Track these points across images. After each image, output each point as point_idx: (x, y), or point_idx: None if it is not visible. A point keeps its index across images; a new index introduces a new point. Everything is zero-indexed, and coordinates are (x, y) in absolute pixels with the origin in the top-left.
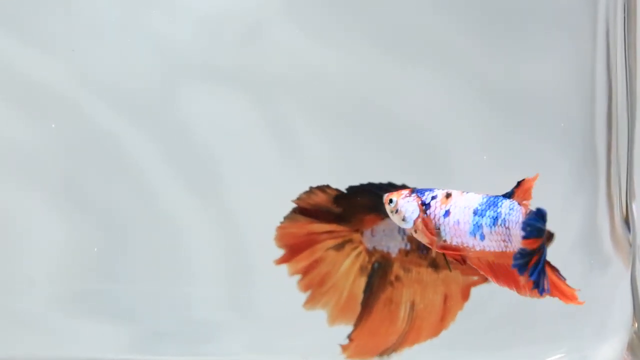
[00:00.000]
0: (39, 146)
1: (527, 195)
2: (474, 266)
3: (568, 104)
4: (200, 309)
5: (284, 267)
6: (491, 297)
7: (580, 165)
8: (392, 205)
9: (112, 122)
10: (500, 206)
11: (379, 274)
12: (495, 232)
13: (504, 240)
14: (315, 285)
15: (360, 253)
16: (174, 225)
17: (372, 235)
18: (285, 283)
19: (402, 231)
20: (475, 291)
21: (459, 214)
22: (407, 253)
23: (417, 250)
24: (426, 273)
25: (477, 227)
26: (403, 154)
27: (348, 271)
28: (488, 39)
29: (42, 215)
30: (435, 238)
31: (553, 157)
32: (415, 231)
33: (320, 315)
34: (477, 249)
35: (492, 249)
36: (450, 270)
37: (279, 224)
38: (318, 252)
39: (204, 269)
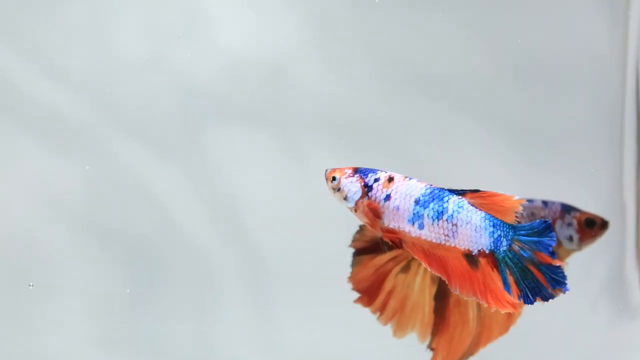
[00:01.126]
0: (67, 183)
1: (482, 200)
2: (408, 249)
3: (597, 148)
4: (227, 347)
5: (310, 302)
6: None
7: (609, 210)
8: (335, 182)
9: (139, 159)
10: (447, 201)
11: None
12: (438, 225)
13: (446, 235)
14: (397, 313)
15: (426, 268)
16: (200, 261)
17: None
18: (311, 319)
19: None
20: None
21: (399, 200)
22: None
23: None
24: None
25: (417, 216)
26: None
27: (422, 287)
28: (512, 79)
29: (70, 253)
30: (379, 220)
31: (581, 202)
32: (356, 210)
33: (344, 349)
34: (413, 235)
35: (429, 239)
36: (385, 252)
37: (349, 275)
38: (389, 282)
39: (231, 305)
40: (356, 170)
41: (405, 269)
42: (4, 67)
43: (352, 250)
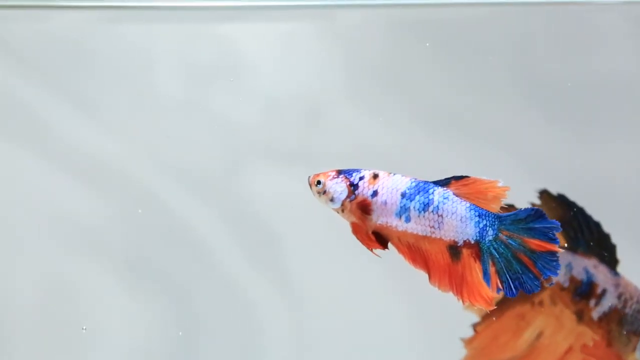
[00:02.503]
0: (108, 224)
1: (467, 188)
2: (393, 245)
3: None
4: None
5: (351, 340)
6: None
7: None
8: (320, 187)
9: (179, 199)
10: (432, 193)
11: None
12: (424, 217)
13: (431, 226)
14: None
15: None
16: (239, 299)
17: None
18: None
19: (569, 267)
20: None
21: (387, 194)
22: (562, 289)
23: (573, 292)
24: (568, 317)
25: (404, 209)
26: None
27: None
28: (559, 125)
29: (113, 294)
30: (368, 217)
31: (635, 256)
32: (343, 210)
33: None
34: (400, 229)
35: (415, 232)
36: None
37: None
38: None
39: (273, 344)
40: (340, 172)
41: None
42: (45, 109)
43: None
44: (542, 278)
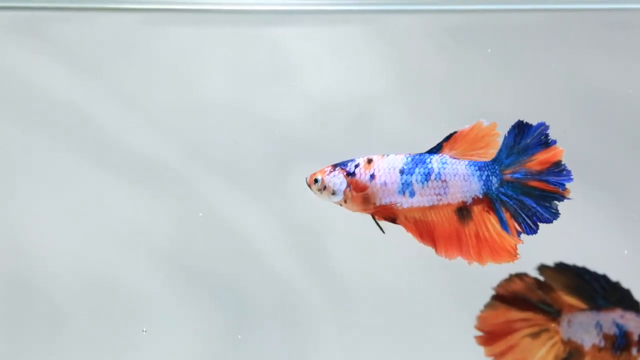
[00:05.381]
0: (157, 225)
1: (459, 144)
2: (401, 225)
3: None
4: None
5: (397, 337)
6: None
7: None
8: (319, 184)
9: (227, 201)
10: (430, 162)
11: None
12: (428, 186)
13: (437, 194)
14: None
15: (555, 343)
16: (287, 299)
17: (569, 326)
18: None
19: (598, 326)
20: None
21: (385, 175)
22: (599, 350)
23: (611, 350)
24: None
25: (406, 185)
26: None
27: (543, 358)
28: (616, 132)
29: (166, 296)
30: (370, 202)
31: None
32: (345, 201)
33: None
34: (406, 206)
35: (421, 204)
36: (384, 232)
37: (479, 312)
38: (515, 338)
39: (321, 344)
40: (335, 166)
41: (535, 335)
42: (96, 113)
43: (493, 292)
44: (560, 191)
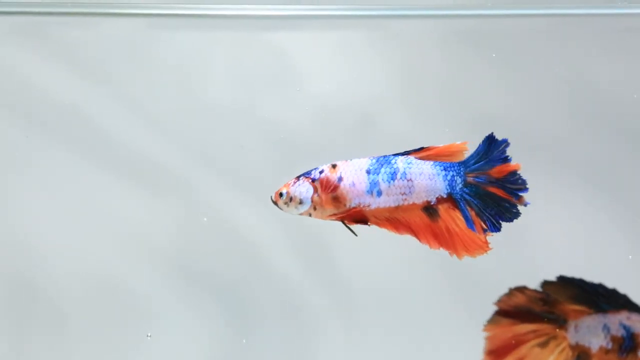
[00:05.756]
0: (160, 229)
1: (425, 153)
2: (373, 224)
3: None
4: None
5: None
6: None
7: None
8: (284, 197)
9: (230, 204)
10: (395, 162)
11: None
12: (394, 185)
13: (403, 194)
14: None
15: (564, 349)
16: (293, 303)
17: (576, 331)
18: None
19: (605, 328)
20: None
21: (352, 176)
22: (607, 352)
23: (618, 351)
24: None
25: (374, 184)
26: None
27: None
28: (623, 137)
29: (169, 300)
30: (337, 193)
31: None
32: (315, 208)
33: None
34: (373, 207)
35: (388, 205)
36: (356, 235)
37: (485, 332)
38: (523, 351)
39: (326, 348)
40: (299, 177)
41: (543, 345)
42: (101, 117)
43: (496, 308)
44: (514, 200)
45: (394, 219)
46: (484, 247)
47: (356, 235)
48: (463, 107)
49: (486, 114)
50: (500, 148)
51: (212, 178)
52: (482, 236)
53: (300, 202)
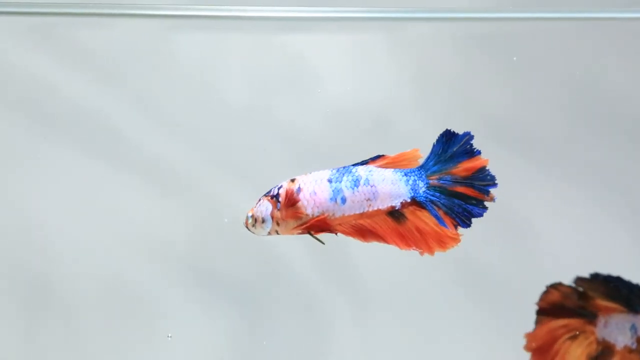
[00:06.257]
0: (173, 229)
1: (382, 161)
2: (340, 232)
3: None
4: None
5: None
6: None
7: None
8: (250, 220)
9: (245, 205)
10: (357, 171)
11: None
12: (358, 192)
13: (367, 199)
14: None
15: (591, 343)
16: (307, 303)
17: (605, 327)
18: None
19: (633, 328)
20: None
21: (312, 185)
22: (630, 351)
23: None
24: None
25: (337, 191)
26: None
27: (577, 358)
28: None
29: (183, 300)
30: (298, 205)
31: None
32: (278, 224)
33: None
34: (338, 215)
35: (352, 212)
36: (324, 244)
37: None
38: (558, 345)
39: (341, 349)
40: (260, 198)
41: (573, 338)
42: (114, 116)
43: (537, 308)
44: (485, 197)
45: (359, 226)
46: (456, 238)
47: (323, 243)
48: (481, 111)
49: (501, 117)
50: (462, 143)
51: (228, 179)
52: (452, 229)
53: (263, 220)
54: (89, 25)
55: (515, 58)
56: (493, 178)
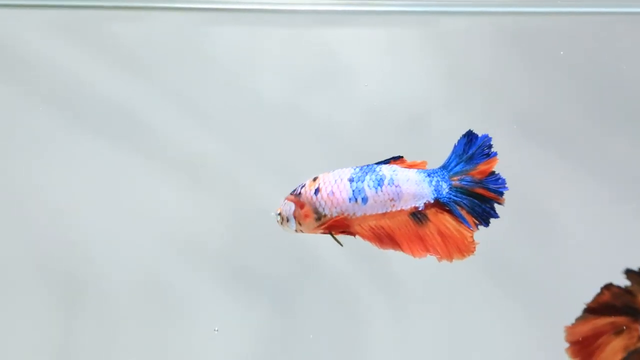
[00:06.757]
0: (210, 226)
1: (399, 163)
2: (357, 234)
3: None
4: None
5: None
6: None
7: None
8: (279, 218)
9: (278, 199)
10: (380, 170)
11: (636, 354)
12: (382, 191)
13: (391, 199)
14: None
15: (632, 337)
16: (344, 298)
17: None
18: None
19: None
20: None
21: (330, 185)
22: None
23: None
24: None
25: (358, 191)
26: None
27: (616, 351)
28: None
29: (224, 298)
30: (316, 206)
31: None
32: (300, 224)
33: None
34: (359, 214)
35: (374, 211)
36: (342, 245)
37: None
38: (600, 342)
39: (378, 344)
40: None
41: (617, 334)
42: (146, 111)
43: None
44: (500, 199)
45: (379, 228)
46: (473, 247)
47: (342, 245)
48: (513, 106)
49: (534, 113)
50: (480, 145)
51: (260, 175)
52: (469, 236)
53: (288, 220)
54: (120, 19)
55: (562, 52)
56: (504, 182)
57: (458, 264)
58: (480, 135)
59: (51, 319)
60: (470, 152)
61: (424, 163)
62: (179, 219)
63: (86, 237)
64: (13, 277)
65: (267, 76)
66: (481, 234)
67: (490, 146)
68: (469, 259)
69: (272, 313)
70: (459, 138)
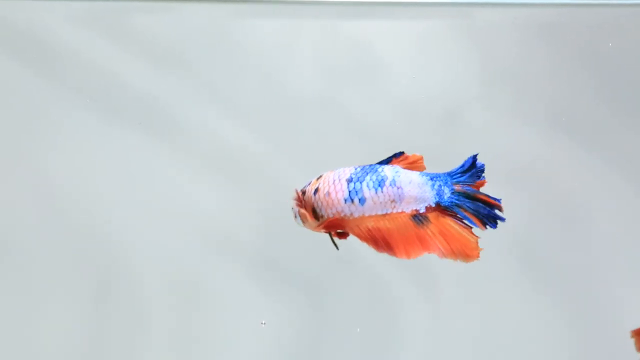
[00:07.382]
0: (243, 220)
1: (409, 166)
2: (354, 235)
3: None
4: None
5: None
6: None
7: None
8: (294, 214)
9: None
10: (383, 170)
11: None
12: (382, 192)
13: (392, 200)
14: None
15: None
16: (376, 291)
17: None
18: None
19: None
20: None
21: (327, 185)
22: None
23: None
24: None
25: (355, 192)
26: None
27: None
28: None
29: (254, 292)
30: (313, 206)
31: None
32: (303, 221)
33: None
34: (356, 215)
35: (373, 212)
36: (338, 249)
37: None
38: None
39: (410, 336)
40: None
41: None
42: (178, 103)
43: None
44: (499, 204)
45: (376, 231)
46: (477, 250)
47: (338, 248)
48: (545, 99)
49: (567, 105)
50: (478, 168)
51: (296, 169)
52: (473, 238)
53: (296, 217)
54: (154, 11)
55: (610, 44)
56: (498, 200)
57: (492, 258)
58: (479, 163)
59: (87, 310)
60: (471, 170)
61: (421, 158)
62: (213, 214)
63: (122, 231)
64: (51, 270)
65: (300, 69)
66: (514, 228)
67: (483, 170)
68: (504, 254)
69: (305, 306)
70: (467, 159)
